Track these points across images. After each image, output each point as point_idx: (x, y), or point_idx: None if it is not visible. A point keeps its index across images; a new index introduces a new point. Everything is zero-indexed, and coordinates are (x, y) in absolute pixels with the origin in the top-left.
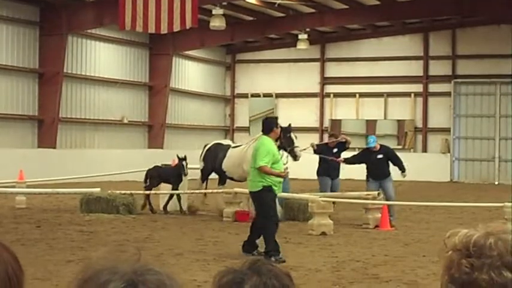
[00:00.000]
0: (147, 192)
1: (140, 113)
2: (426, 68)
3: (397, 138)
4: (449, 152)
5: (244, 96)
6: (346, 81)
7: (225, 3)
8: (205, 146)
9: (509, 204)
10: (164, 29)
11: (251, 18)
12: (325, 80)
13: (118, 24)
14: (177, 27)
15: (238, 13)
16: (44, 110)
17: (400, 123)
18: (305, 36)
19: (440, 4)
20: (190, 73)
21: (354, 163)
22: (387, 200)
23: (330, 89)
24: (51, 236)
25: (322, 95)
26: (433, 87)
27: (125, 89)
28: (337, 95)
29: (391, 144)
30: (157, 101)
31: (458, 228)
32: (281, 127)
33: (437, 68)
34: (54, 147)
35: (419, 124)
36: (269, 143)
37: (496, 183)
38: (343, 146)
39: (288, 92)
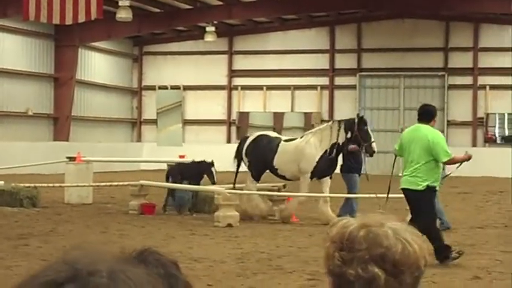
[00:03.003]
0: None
1: (45, 105)
2: (332, 61)
3: (304, 130)
4: None
5: (152, 88)
6: (253, 74)
7: None
8: (245, 138)
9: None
10: (69, 20)
11: (158, 10)
12: (232, 73)
13: (22, 14)
14: (82, 18)
15: (145, 5)
16: None
17: (307, 115)
18: (212, 28)
19: None
20: (97, 65)
21: None
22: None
23: (238, 81)
24: None
25: (230, 88)
26: (339, 80)
27: (29, 81)
28: (244, 87)
29: (298, 136)
30: (63, 93)
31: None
32: (357, 117)
33: (343, 61)
34: None
35: (326, 117)
36: (438, 132)
37: (400, 174)
38: None
39: (195, 85)
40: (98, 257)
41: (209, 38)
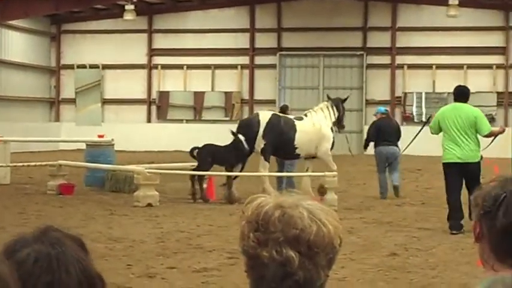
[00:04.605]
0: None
1: None
2: (252, 40)
3: (224, 110)
4: None
5: (70, 67)
6: (173, 53)
7: None
8: (250, 119)
9: (330, 173)
10: None
11: None
12: (152, 52)
13: None
14: None
15: None
16: None
17: (227, 95)
18: (132, 7)
19: None
20: (14, 44)
21: None
22: None
23: (158, 60)
24: None
25: (150, 67)
26: (259, 60)
27: None
28: (164, 66)
29: (219, 116)
30: None
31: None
32: (340, 99)
33: (263, 41)
34: None
35: (246, 96)
36: (478, 109)
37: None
38: None
39: (115, 64)
40: None
41: (128, 16)
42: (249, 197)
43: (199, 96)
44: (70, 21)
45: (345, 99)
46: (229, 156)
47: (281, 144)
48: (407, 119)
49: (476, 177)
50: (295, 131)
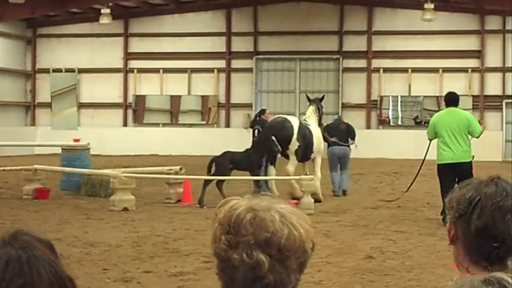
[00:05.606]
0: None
1: None
2: (229, 44)
3: (201, 113)
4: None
5: (46, 71)
6: (150, 56)
7: None
8: (279, 123)
9: (306, 176)
10: None
11: None
12: (128, 55)
13: None
14: None
15: None
16: None
17: (204, 99)
18: (108, 10)
19: None
20: None
21: None
22: None
23: (134, 64)
24: None
25: (126, 71)
26: (235, 63)
27: None
28: (141, 70)
29: (195, 120)
30: None
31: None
32: (319, 99)
33: (240, 44)
34: None
35: (223, 100)
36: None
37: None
38: None
39: (90, 68)
40: None
41: (104, 20)
42: (223, 200)
43: (175, 100)
44: (46, 25)
45: (322, 99)
46: (248, 160)
47: (305, 147)
48: (384, 122)
49: (468, 175)
50: (312, 135)
